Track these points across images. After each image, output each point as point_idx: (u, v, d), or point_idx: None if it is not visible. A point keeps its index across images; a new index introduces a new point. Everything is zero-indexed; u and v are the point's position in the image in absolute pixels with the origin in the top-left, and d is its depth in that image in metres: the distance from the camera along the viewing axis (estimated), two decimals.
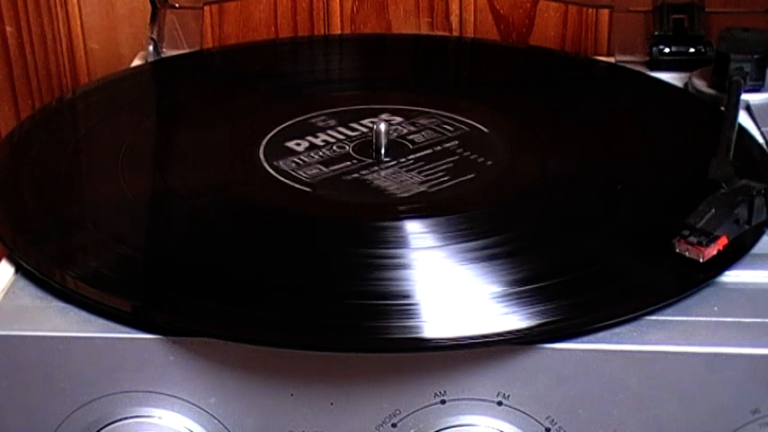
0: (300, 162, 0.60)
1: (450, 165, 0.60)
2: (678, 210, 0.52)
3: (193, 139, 0.64)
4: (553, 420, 0.47)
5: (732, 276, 0.50)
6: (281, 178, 0.58)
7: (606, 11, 0.82)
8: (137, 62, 0.77)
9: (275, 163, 0.59)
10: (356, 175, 0.58)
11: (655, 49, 0.74)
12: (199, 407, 0.48)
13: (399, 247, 0.52)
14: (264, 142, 0.62)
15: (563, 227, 0.54)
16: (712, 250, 0.49)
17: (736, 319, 0.47)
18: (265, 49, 0.80)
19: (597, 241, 0.53)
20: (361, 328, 0.47)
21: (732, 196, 0.52)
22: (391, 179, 0.58)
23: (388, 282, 0.49)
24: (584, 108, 0.68)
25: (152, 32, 0.76)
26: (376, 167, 0.59)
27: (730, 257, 0.50)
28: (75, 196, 0.58)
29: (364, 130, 0.63)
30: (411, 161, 0.60)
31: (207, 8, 0.82)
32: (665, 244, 0.50)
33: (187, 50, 0.78)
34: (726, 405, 0.46)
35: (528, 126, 0.64)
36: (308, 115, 0.65)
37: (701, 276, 0.49)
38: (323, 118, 0.65)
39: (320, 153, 0.61)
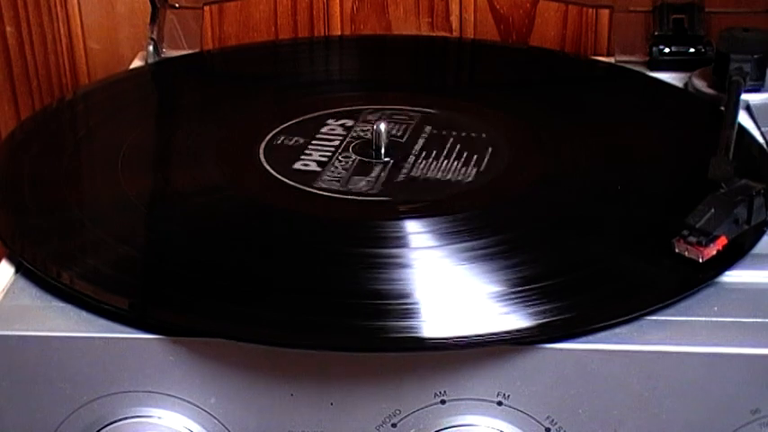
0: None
1: (458, 156, 0.60)
2: (678, 210, 0.52)
3: (193, 140, 0.64)
4: (553, 420, 0.47)
5: (732, 276, 0.50)
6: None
7: (606, 11, 0.82)
8: (137, 62, 0.77)
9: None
10: (395, 175, 0.58)
11: (655, 49, 0.74)
12: (199, 407, 0.48)
13: (399, 247, 0.52)
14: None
15: (563, 227, 0.54)
16: (711, 250, 0.49)
17: (736, 319, 0.47)
18: (265, 50, 0.80)
19: (597, 241, 0.53)
20: (361, 328, 0.47)
21: (731, 196, 0.52)
22: (435, 170, 0.58)
23: (387, 281, 0.49)
24: (585, 108, 0.68)
25: (152, 32, 0.76)
26: (400, 165, 0.59)
27: (730, 258, 0.50)
28: (75, 196, 0.58)
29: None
30: (423, 156, 0.60)
31: (207, 8, 0.82)
32: (665, 244, 0.50)
33: (187, 50, 0.78)
34: (726, 405, 0.46)
35: (528, 126, 0.64)
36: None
37: (700, 276, 0.49)
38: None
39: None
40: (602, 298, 0.48)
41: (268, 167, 0.59)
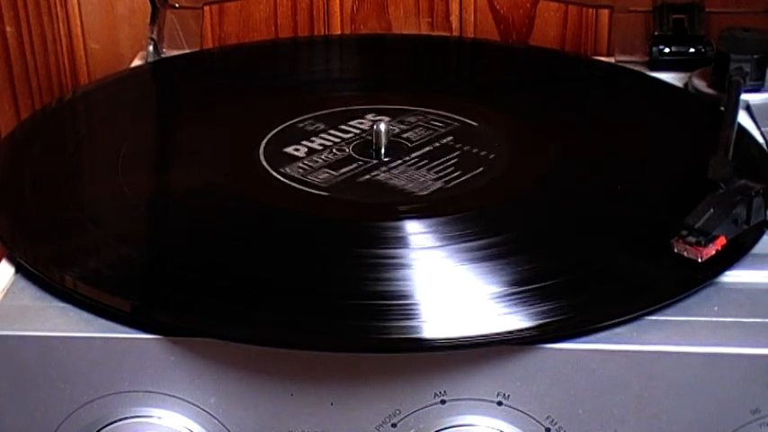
0: (306, 166, 0.59)
1: (455, 161, 0.60)
2: (678, 210, 0.52)
3: (194, 140, 0.64)
4: (553, 420, 0.47)
5: (732, 276, 0.50)
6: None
7: (606, 11, 0.82)
8: (137, 62, 0.77)
9: (280, 168, 0.59)
10: (368, 176, 0.58)
11: (655, 49, 0.74)
12: (199, 407, 0.48)
13: (399, 247, 0.52)
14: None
15: (563, 227, 0.54)
16: (710, 250, 0.49)
17: (736, 319, 0.47)
18: (265, 50, 0.80)
19: (597, 241, 0.53)
20: (361, 328, 0.47)
21: (731, 196, 0.52)
22: (405, 178, 0.58)
23: (388, 282, 0.49)
24: (585, 108, 0.68)
25: (152, 32, 0.76)
26: (384, 167, 0.59)
27: (730, 258, 0.50)
28: (75, 196, 0.58)
29: (364, 129, 0.63)
30: (415, 159, 0.60)
31: (207, 8, 0.82)
32: (665, 244, 0.50)
33: (187, 50, 0.78)
34: (726, 405, 0.46)
35: (528, 126, 0.64)
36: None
37: (699, 276, 0.49)
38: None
39: (323, 155, 0.61)
40: (601, 298, 0.48)
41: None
